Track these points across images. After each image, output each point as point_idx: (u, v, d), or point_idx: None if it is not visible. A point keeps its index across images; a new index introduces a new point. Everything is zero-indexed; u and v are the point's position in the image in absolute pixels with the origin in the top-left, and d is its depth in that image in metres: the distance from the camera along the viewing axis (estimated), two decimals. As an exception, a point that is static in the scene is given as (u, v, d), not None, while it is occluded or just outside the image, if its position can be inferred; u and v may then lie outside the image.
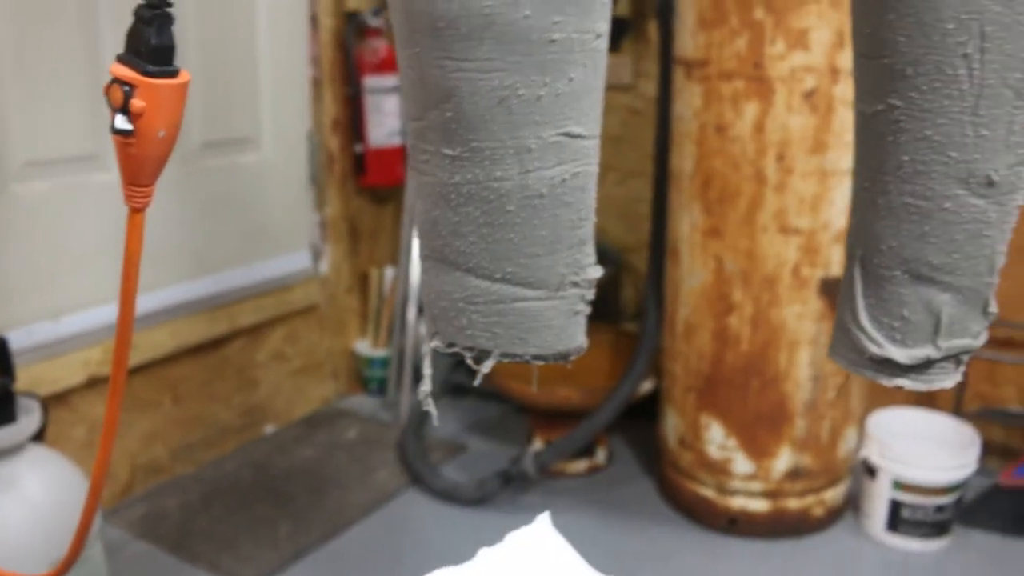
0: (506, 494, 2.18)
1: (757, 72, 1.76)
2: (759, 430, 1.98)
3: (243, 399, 2.44)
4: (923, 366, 0.59)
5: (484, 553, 0.72)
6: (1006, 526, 2.09)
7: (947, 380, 0.61)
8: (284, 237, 2.51)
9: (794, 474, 2.01)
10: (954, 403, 2.29)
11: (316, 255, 2.61)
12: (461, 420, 2.63)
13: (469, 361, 0.60)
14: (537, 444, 2.30)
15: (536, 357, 0.59)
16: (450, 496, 2.18)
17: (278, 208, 2.47)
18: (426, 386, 0.63)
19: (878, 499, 2.05)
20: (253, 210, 2.39)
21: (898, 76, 0.54)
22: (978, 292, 0.58)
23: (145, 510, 2.13)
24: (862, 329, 0.60)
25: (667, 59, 2.04)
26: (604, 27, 0.53)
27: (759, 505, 2.04)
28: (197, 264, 2.26)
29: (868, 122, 0.58)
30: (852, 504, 2.18)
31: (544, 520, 0.73)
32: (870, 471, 2.06)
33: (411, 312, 2.59)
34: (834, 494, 2.09)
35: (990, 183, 0.55)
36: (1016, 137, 0.54)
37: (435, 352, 0.61)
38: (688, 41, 1.85)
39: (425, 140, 0.56)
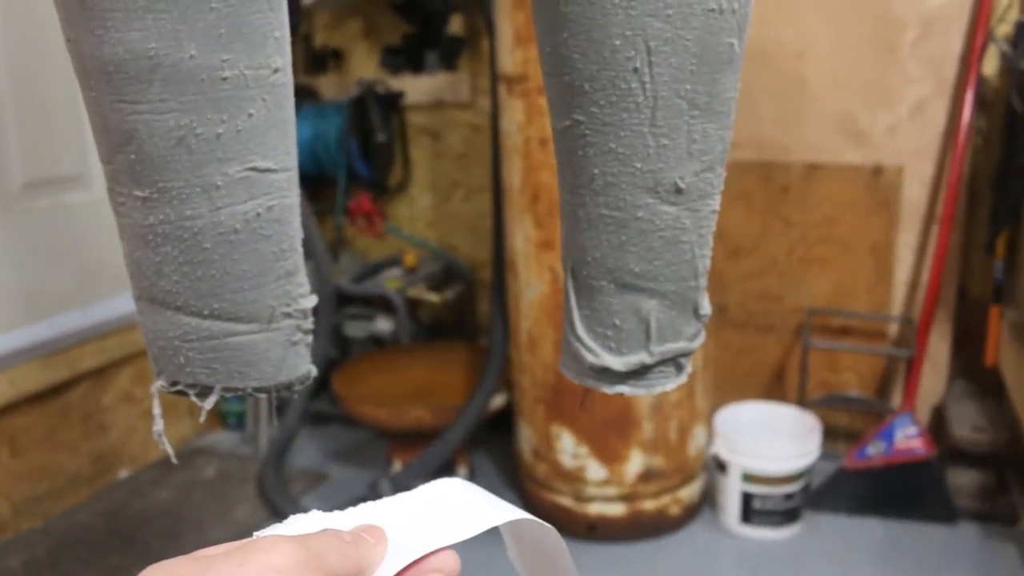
0: (367, 520, 2.16)
1: (574, 85, 1.79)
2: (608, 436, 2.01)
3: (92, 445, 2.35)
4: (640, 372, 0.61)
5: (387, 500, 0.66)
6: (852, 507, 2.17)
7: (668, 383, 0.62)
8: (124, 275, 2.42)
9: (647, 476, 2.04)
10: (798, 393, 2.37)
11: (161, 292, 2.54)
12: (322, 448, 2.59)
13: (194, 398, 0.59)
14: (395, 467, 2.29)
15: (257, 390, 0.59)
16: (310, 527, 2.14)
17: (115, 246, 2.39)
18: (158, 425, 0.61)
19: (730, 493, 2.11)
20: (87, 250, 2.31)
21: (578, 92, 0.55)
22: (684, 296, 0.60)
23: (-14, 571, 2.03)
24: (580, 340, 0.61)
25: (494, 76, 2.06)
26: (281, 61, 0.53)
27: (616, 509, 2.07)
28: (30, 309, 2.17)
29: (560, 137, 0.59)
30: (708, 500, 2.23)
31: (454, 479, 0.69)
32: (720, 466, 2.12)
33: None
34: (689, 492, 2.14)
35: (678, 190, 0.56)
36: (697, 145, 0.56)
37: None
38: (507, 58, 1.88)
39: (118, 183, 0.55)
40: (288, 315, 0.58)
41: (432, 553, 0.45)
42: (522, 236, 1.95)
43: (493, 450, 2.50)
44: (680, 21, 0.52)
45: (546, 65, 0.58)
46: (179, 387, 0.59)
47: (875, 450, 2.14)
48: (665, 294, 0.59)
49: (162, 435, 0.62)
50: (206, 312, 0.56)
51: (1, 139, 2.08)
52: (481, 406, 2.13)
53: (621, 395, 0.62)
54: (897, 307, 2.35)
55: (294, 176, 0.57)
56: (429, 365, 2.42)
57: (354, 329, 2.62)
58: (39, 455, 2.21)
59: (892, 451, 2.11)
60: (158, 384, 0.60)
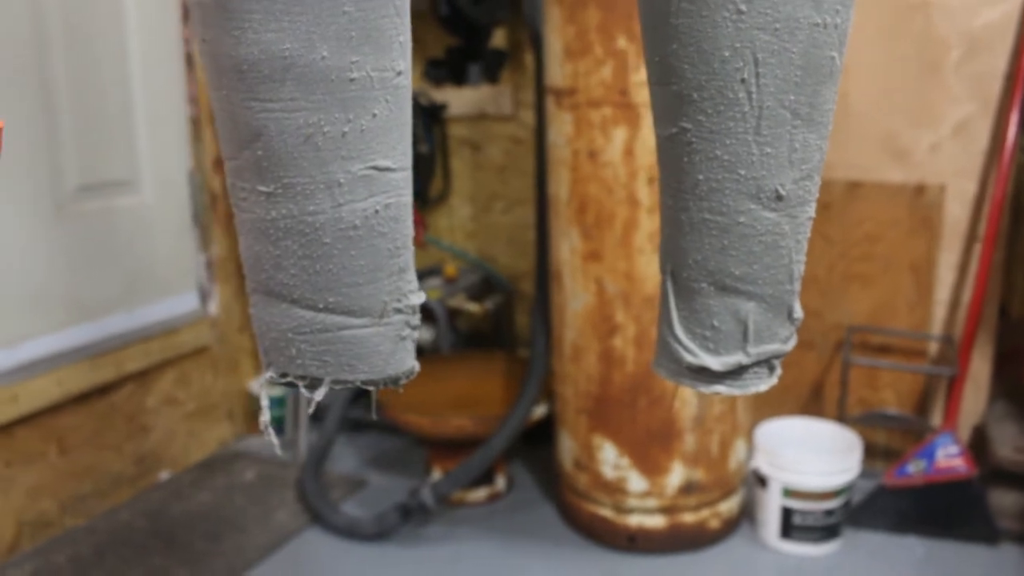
0: (407, 527, 2.18)
1: (623, 99, 1.81)
2: (651, 447, 2.02)
3: (135, 446, 2.38)
4: (737, 372, 0.63)
5: None
6: (892, 525, 2.17)
7: (761, 384, 0.64)
8: (169, 279, 2.47)
9: (688, 488, 2.05)
10: (837, 410, 2.37)
11: (204, 296, 2.57)
12: (361, 455, 2.61)
13: (303, 390, 0.61)
14: (436, 475, 2.30)
15: (366, 382, 0.61)
16: (350, 532, 2.16)
17: (161, 250, 2.44)
18: (265, 416, 0.63)
19: (770, 507, 2.11)
20: (135, 253, 2.35)
21: (686, 100, 0.57)
22: (781, 300, 0.61)
23: (34, 567, 2.06)
24: (678, 340, 0.63)
25: (540, 89, 2.08)
26: (404, 65, 0.55)
27: (656, 521, 2.07)
28: (78, 310, 2.21)
29: (665, 144, 0.61)
30: (747, 514, 2.23)
31: None
32: (761, 481, 2.12)
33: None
34: (728, 506, 2.14)
35: (779, 197, 0.58)
36: (798, 154, 0.58)
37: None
38: (556, 71, 1.90)
39: (242, 178, 0.57)
40: (399, 310, 0.60)
41: None
42: (568, 247, 1.97)
43: (530, 461, 2.52)
44: (787, 34, 0.54)
45: (654, 74, 0.60)
46: (288, 379, 0.61)
47: (916, 468, 2.13)
48: (763, 297, 0.61)
49: (268, 426, 0.64)
50: (321, 305, 0.58)
51: (58, 143, 2.13)
52: (523, 416, 2.14)
53: (717, 394, 0.63)
54: (937, 326, 2.35)
55: (410, 176, 0.59)
56: (469, 375, 2.44)
57: (393, 337, 2.64)
58: (85, 455, 2.24)
59: (933, 469, 2.11)
60: (267, 375, 0.62)
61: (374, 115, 0.55)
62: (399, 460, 2.58)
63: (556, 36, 1.89)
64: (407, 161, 0.58)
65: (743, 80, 0.55)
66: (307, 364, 0.60)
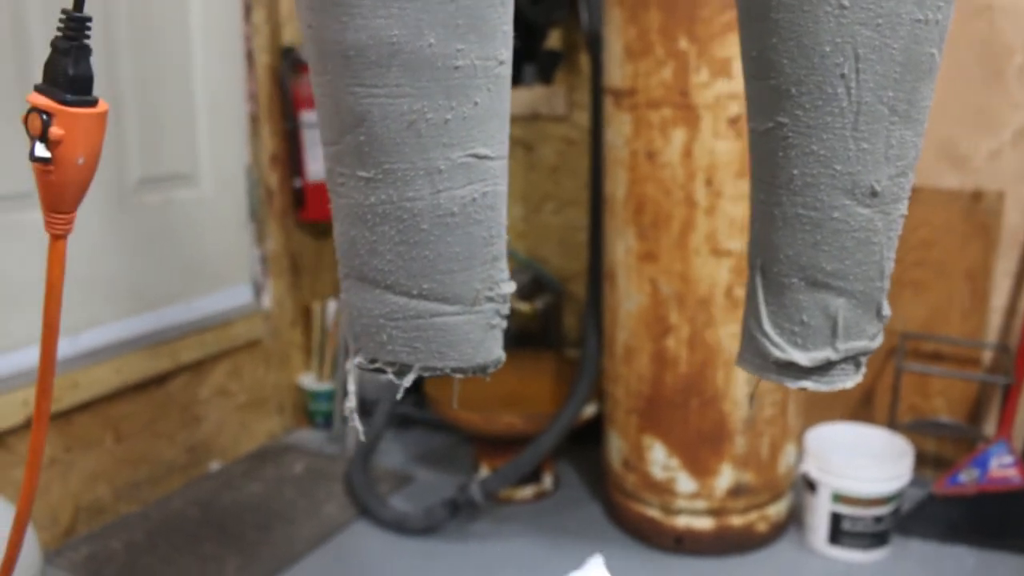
0: (454, 522, 2.19)
1: (683, 100, 1.81)
2: (700, 449, 2.01)
3: (187, 436, 2.42)
4: (824, 368, 0.63)
5: None
6: (942, 534, 2.14)
7: (848, 381, 0.64)
8: (225, 272, 2.50)
9: (736, 491, 2.04)
10: (888, 416, 2.35)
11: (258, 290, 2.61)
12: (408, 451, 2.63)
13: (391, 376, 0.62)
14: (483, 472, 2.31)
15: (456, 370, 0.62)
16: (398, 526, 2.18)
17: (218, 243, 2.47)
18: (351, 402, 0.64)
19: (819, 512, 2.10)
20: (192, 246, 2.39)
21: (784, 95, 0.58)
22: (871, 296, 0.61)
23: (89, 551, 2.10)
24: (766, 335, 0.63)
25: (598, 89, 2.09)
26: (506, 54, 0.56)
27: (704, 523, 2.07)
28: (137, 300, 2.25)
29: (760, 139, 0.61)
30: (795, 518, 2.22)
31: (597, 562, 0.74)
32: (810, 485, 2.11)
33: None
34: (777, 509, 2.13)
35: (874, 193, 0.58)
36: (894, 150, 0.58)
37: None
38: (616, 71, 1.90)
39: (341, 163, 0.58)
40: (490, 299, 0.61)
41: None
42: (623, 247, 1.97)
43: (577, 460, 2.52)
44: (888, 30, 0.54)
45: (751, 69, 0.60)
46: (378, 364, 0.62)
47: (968, 477, 2.11)
48: (853, 293, 0.61)
49: (354, 411, 0.65)
50: (415, 292, 0.59)
51: (123, 136, 2.17)
52: (574, 414, 2.14)
53: (804, 389, 0.63)
54: (992, 334, 2.32)
55: (506, 165, 0.60)
56: (517, 373, 2.45)
57: (442, 334, 2.66)
58: (140, 443, 2.28)
59: (986, 479, 2.08)
60: (357, 361, 0.63)
61: (476, 103, 0.55)
62: (446, 457, 2.60)
63: (617, 37, 1.90)
64: (504, 150, 0.59)
65: (843, 75, 0.55)
66: (397, 350, 0.61)
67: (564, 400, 2.21)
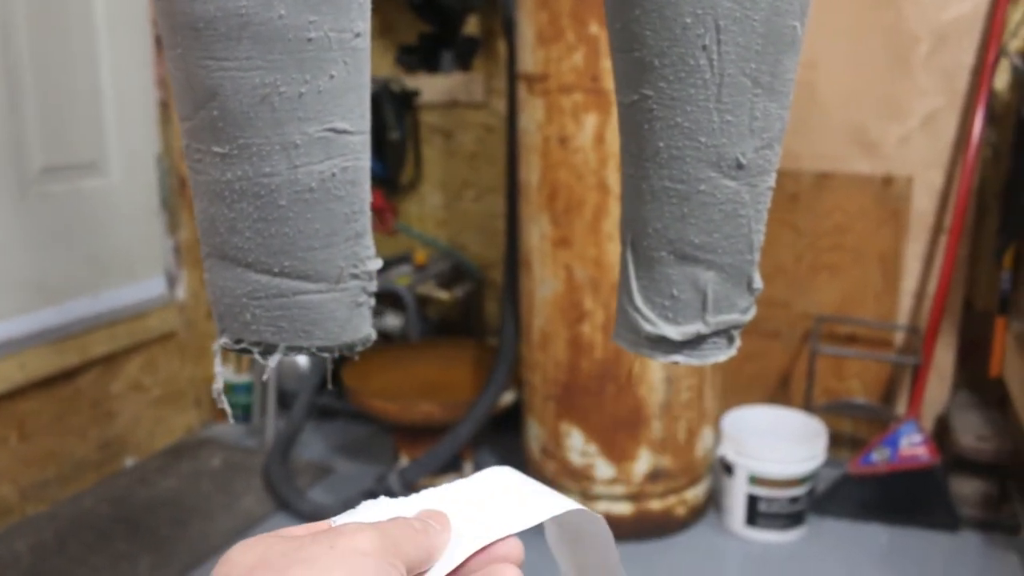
0: (374, 513, 2.16)
1: (595, 85, 1.81)
2: (618, 434, 2.02)
3: (100, 432, 2.36)
4: (696, 342, 0.63)
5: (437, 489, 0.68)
6: (856, 512, 2.19)
7: (720, 355, 0.64)
8: (136, 263, 2.44)
9: (654, 476, 2.06)
10: (804, 399, 2.39)
11: (171, 281, 2.55)
12: (328, 443, 2.60)
13: (257, 356, 0.61)
14: (403, 462, 2.30)
15: (322, 349, 0.60)
16: (316, 518, 2.15)
17: (128, 234, 2.41)
18: (218, 383, 0.63)
19: (736, 495, 2.12)
20: (101, 237, 2.32)
21: (648, 68, 0.57)
22: (740, 269, 0.61)
23: (-8, 554, 2.04)
24: (637, 310, 0.63)
25: (513, 75, 2.08)
26: (363, 26, 0.55)
27: (623, 508, 2.08)
28: (42, 293, 2.18)
29: (626, 112, 0.61)
30: (713, 502, 2.24)
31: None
32: (727, 468, 2.13)
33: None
34: (695, 493, 2.15)
35: (739, 166, 0.58)
36: (759, 123, 0.58)
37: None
38: (528, 57, 1.90)
39: (197, 139, 0.57)
40: (355, 276, 0.59)
41: (498, 541, 0.46)
42: (538, 234, 1.97)
43: (498, 448, 2.52)
44: (749, 2, 0.54)
45: (616, 41, 0.60)
46: (243, 345, 0.61)
47: (880, 456, 2.15)
48: (722, 266, 0.61)
49: (221, 393, 0.63)
50: (276, 270, 0.57)
51: (23, 122, 2.09)
52: (491, 402, 2.14)
53: (675, 364, 0.63)
54: (904, 316, 2.37)
55: (367, 140, 0.58)
56: (438, 362, 2.43)
57: (363, 324, 2.63)
58: (47, 440, 2.21)
59: (897, 458, 2.13)
60: (221, 342, 0.61)
61: (331, 76, 0.54)
62: (367, 448, 2.57)
63: (529, 22, 1.89)
64: (365, 124, 0.57)
65: (704, 47, 0.55)
66: (261, 330, 0.60)
67: (483, 388, 2.20)
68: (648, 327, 0.62)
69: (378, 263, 0.61)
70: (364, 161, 0.58)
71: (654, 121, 0.58)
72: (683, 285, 0.61)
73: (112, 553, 2.05)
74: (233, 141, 0.55)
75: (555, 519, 0.51)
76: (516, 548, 0.46)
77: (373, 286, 0.61)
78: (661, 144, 0.58)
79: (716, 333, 0.63)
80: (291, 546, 0.39)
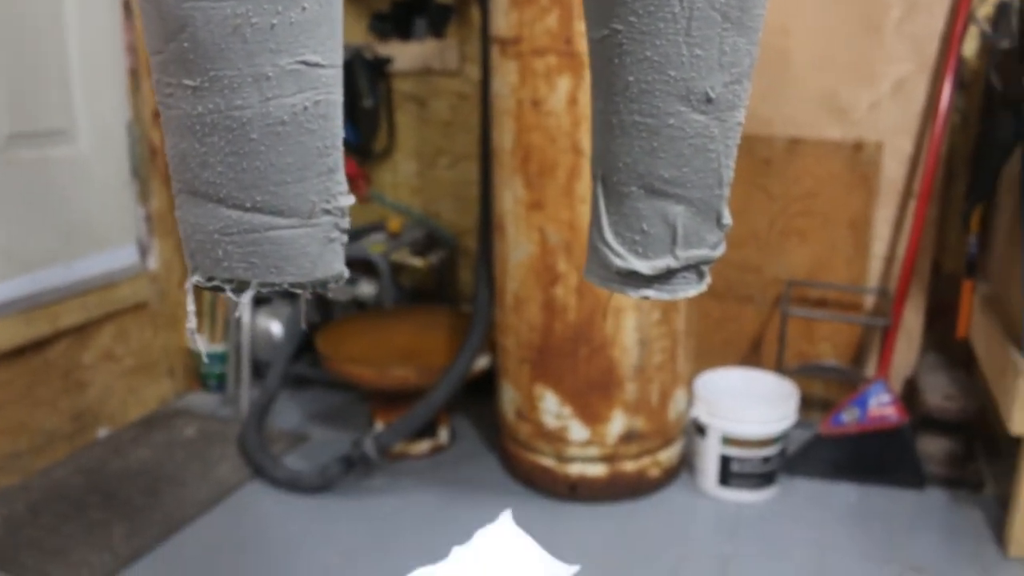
0: (350, 479, 2.18)
1: (568, 47, 1.81)
2: (592, 397, 2.03)
3: (71, 403, 2.35)
4: (666, 276, 0.63)
5: (457, 552, 0.73)
6: (826, 472, 2.22)
7: (690, 289, 0.65)
8: (107, 233, 2.42)
9: (628, 437, 2.08)
10: (776, 361, 2.41)
11: (144, 250, 2.53)
12: (303, 411, 2.60)
13: (229, 293, 0.61)
14: (378, 427, 2.30)
15: (294, 285, 0.60)
16: (293, 485, 2.16)
17: (99, 203, 2.39)
18: (191, 323, 0.63)
19: (709, 456, 2.15)
20: (71, 205, 2.30)
21: (617, 2, 0.58)
22: (709, 204, 0.62)
23: (-35, 524, 2.03)
24: (607, 245, 0.63)
25: (486, 39, 2.07)
26: (334, -45, 0.55)
27: (597, 470, 2.10)
28: (11, 263, 2.16)
29: (596, 47, 0.61)
30: (686, 463, 2.27)
31: (507, 517, 0.75)
32: (700, 430, 2.16)
33: (247, 305, 2.55)
34: (668, 454, 2.17)
35: (708, 100, 0.59)
36: (728, 57, 0.58)
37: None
38: (502, 20, 1.89)
39: (167, 73, 0.56)
40: (328, 211, 0.59)
41: None
42: (511, 197, 1.97)
43: (473, 413, 2.53)
44: (719, -66, 0.55)
45: (585, -26, 0.60)
46: (215, 282, 0.60)
47: (849, 417, 2.18)
48: (692, 201, 0.61)
49: (195, 333, 0.63)
50: (248, 205, 0.57)
51: (-11, 88, 2.07)
52: (466, 366, 2.15)
53: (647, 299, 0.64)
54: (873, 280, 2.40)
55: (339, 74, 0.58)
56: (412, 329, 2.44)
57: (337, 292, 2.63)
58: (17, 411, 2.20)
59: (866, 418, 2.16)
60: (194, 279, 0.61)
61: (303, 8, 0.54)
62: (342, 415, 2.58)
63: (500, -16, 1.88)
64: (337, 58, 0.57)
65: (673, -21, 0.55)
66: (233, 266, 0.59)
67: (457, 353, 2.21)
68: (618, 262, 0.63)
69: (351, 199, 0.61)
70: (336, 95, 0.58)
71: (624, 55, 0.58)
72: (653, 219, 0.62)
73: (86, 523, 2.05)
74: (204, 74, 0.54)
75: None
76: None
77: (345, 222, 0.61)
78: (631, 78, 0.59)
79: (686, 268, 0.63)
80: None
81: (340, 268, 0.62)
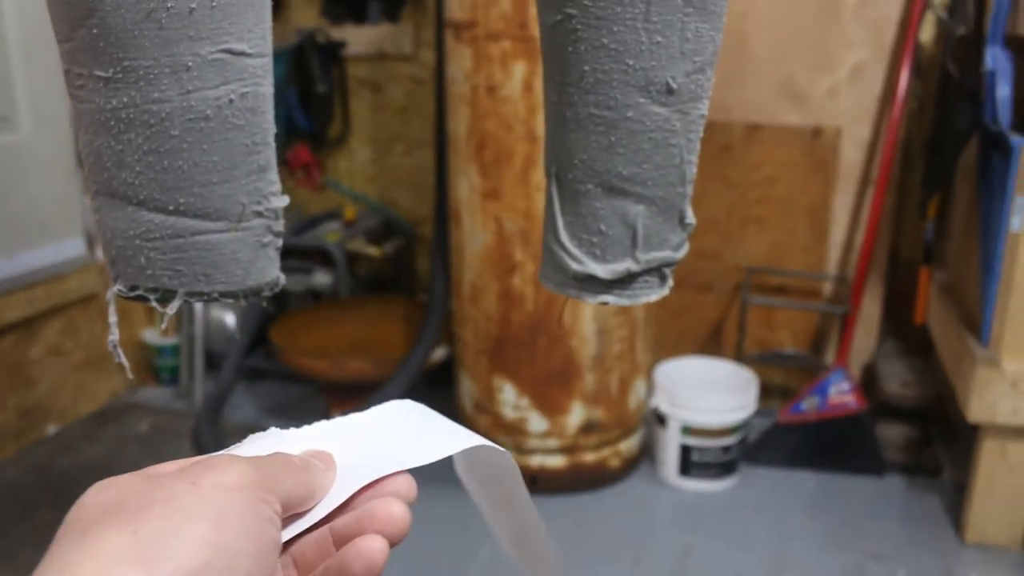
0: (305, 474, 2.12)
1: (523, 32, 1.76)
2: (550, 387, 2.00)
3: (19, 399, 2.27)
4: (625, 280, 0.59)
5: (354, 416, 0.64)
6: (786, 460, 2.21)
7: (652, 294, 0.61)
8: (53, 224, 2.34)
9: (588, 428, 2.05)
10: (735, 349, 2.40)
11: (91, 241, 2.45)
12: (259, 404, 2.55)
13: (154, 303, 0.56)
14: (334, 421, 2.25)
15: (224, 295, 0.56)
16: (246, 481, 2.10)
17: (43, 192, 2.30)
18: (113, 335, 0.58)
19: (669, 445, 2.13)
20: (14, 194, 2.22)
21: (571, -16, 0.53)
22: (671, 203, 0.58)
23: (-97, 527, 1.95)
24: (563, 247, 0.59)
25: (441, 23, 2.02)
26: (260, -67, 0.50)
27: (557, 461, 2.07)
28: (-52, 255, 2.08)
29: (549, 34, 0.57)
30: (647, 453, 2.25)
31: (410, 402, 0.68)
32: (660, 419, 2.13)
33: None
34: (628, 445, 2.15)
35: (670, 90, 0.55)
36: (690, 44, 0.54)
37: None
38: (456, 3, 1.84)
39: (77, 63, 0.51)
40: (259, 214, 0.55)
41: (388, 476, 0.44)
42: (467, 186, 1.92)
43: (431, 405, 2.46)
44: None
45: (536, -45, 0.56)
46: (139, 292, 0.56)
47: (809, 405, 2.17)
48: (652, 199, 0.57)
49: (116, 346, 0.58)
50: (171, 207, 0.53)
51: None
52: (422, 358, 2.10)
53: (605, 304, 0.60)
54: (832, 267, 2.39)
55: (269, 64, 0.53)
56: (368, 319, 2.39)
57: (292, 283, 2.57)
58: (-41, 408, 2.12)
59: (826, 406, 2.15)
60: (115, 289, 0.56)
61: (225, -9, 0.49)
62: (298, 408, 2.52)
63: (454, -34, 1.83)
64: (266, 47, 0.53)
65: (630, -39, 0.51)
66: (158, 275, 0.55)
67: (414, 344, 2.17)
68: (575, 265, 0.59)
69: (284, 200, 0.56)
70: (266, 87, 0.53)
71: (578, 43, 0.54)
72: (611, 220, 0.58)
73: (35, 523, 1.98)
74: (117, 63, 0.49)
75: (464, 454, 0.49)
76: (407, 485, 0.45)
77: (279, 225, 0.56)
78: (586, 68, 0.54)
79: (647, 271, 0.59)
80: (150, 485, 0.36)
81: (274, 275, 0.57)
